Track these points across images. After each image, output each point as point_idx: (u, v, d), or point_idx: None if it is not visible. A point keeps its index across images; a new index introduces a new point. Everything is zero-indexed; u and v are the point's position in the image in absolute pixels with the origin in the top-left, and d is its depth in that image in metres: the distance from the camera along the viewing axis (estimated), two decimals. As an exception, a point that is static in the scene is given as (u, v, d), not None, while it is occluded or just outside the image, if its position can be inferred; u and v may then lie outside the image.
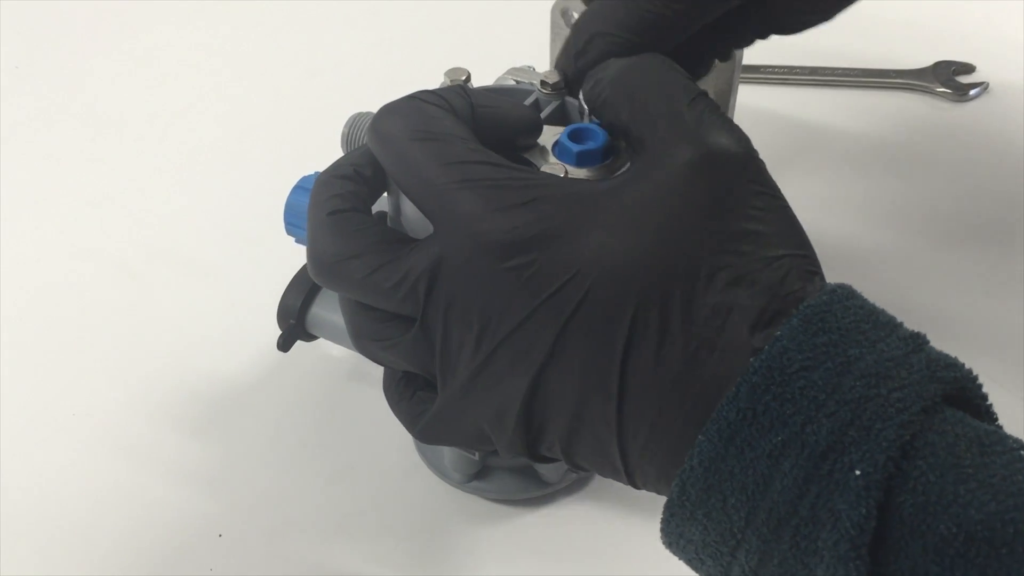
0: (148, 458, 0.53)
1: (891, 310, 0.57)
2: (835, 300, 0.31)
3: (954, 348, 0.57)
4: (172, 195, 0.71)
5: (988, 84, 0.76)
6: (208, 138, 0.76)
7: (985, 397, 0.32)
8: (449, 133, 0.36)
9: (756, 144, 0.72)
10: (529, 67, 0.53)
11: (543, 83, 0.42)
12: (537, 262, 0.33)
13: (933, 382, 0.30)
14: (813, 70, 0.77)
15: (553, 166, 0.37)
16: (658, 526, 0.33)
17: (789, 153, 0.72)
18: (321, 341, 0.54)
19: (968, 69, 0.77)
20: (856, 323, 0.31)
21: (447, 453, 0.50)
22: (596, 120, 0.39)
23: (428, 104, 0.37)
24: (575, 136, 0.38)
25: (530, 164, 0.39)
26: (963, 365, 0.31)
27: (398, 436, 0.53)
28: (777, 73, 0.78)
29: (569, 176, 0.37)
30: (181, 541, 0.49)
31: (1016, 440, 0.30)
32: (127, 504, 0.51)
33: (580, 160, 0.38)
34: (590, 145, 0.38)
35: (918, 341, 0.31)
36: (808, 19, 0.49)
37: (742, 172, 0.34)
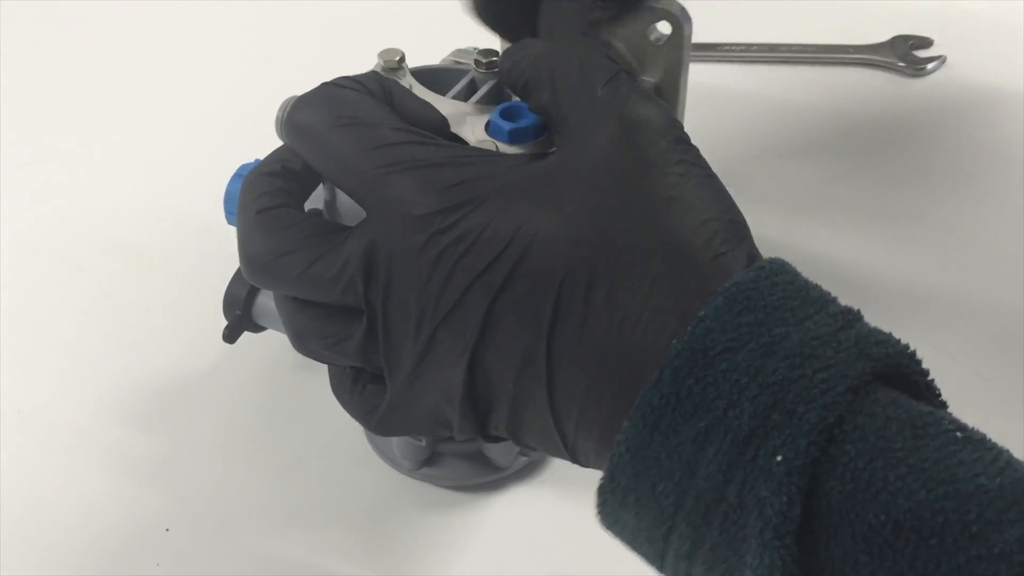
0: (93, 452, 0.53)
1: (848, 285, 0.57)
2: (762, 277, 0.30)
3: (912, 323, 0.57)
4: (118, 187, 0.70)
5: (945, 58, 0.76)
6: (153, 129, 0.75)
7: (925, 373, 0.31)
8: (371, 116, 0.35)
9: (714, 122, 0.72)
10: (475, 49, 0.52)
11: (477, 62, 0.42)
12: (469, 240, 0.33)
13: (861, 360, 0.29)
14: (771, 47, 0.77)
15: (484, 143, 0.37)
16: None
17: (747, 130, 0.71)
18: (269, 332, 0.53)
19: (926, 43, 0.77)
20: (784, 300, 0.30)
21: (396, 441, 0.50)
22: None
23: (345, 89, 0.36)
24: (507, 114, 0.38)
25: (459, 139, 0.38)
26: (898, 341, 0.30)
27: (347, 426, 0.51)
28: (735, 51, 0.77)
29: (500, 153, 0.36)
30: (127, 536, 0.49)
31: (953, 421, 0.29)
32: (71, 499, 0.50)
33: (512, 137, 0.37)
34: (522, 123, 0.37)
35: (848, 317, 0.30)
36: None
37: (663, 141, 0.34)
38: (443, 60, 0.51)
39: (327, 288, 0.35)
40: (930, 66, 0.75)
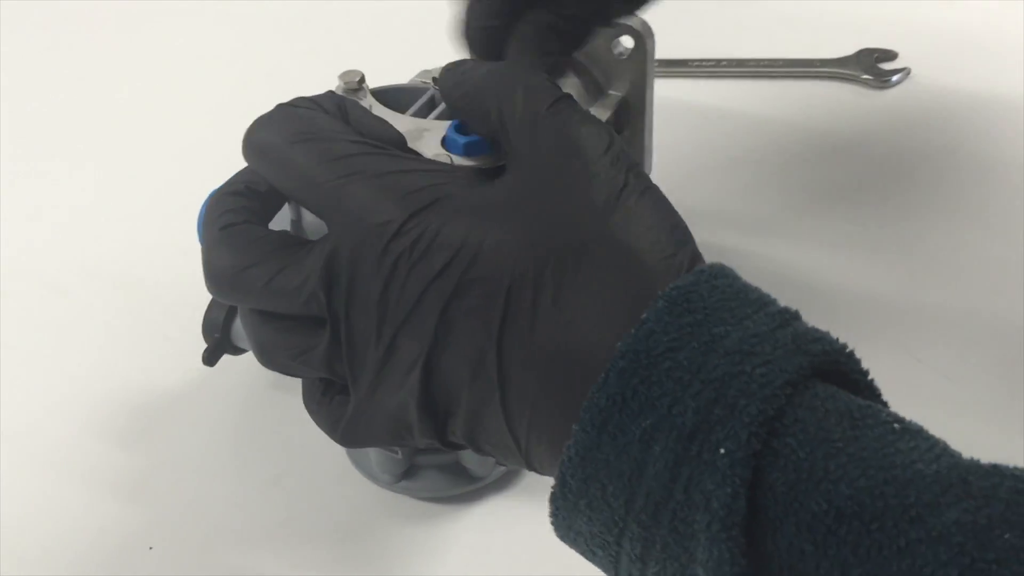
0: (75, 472, 0.53)
1: (816, 293, 0.58)
2: (702, 280, 0.32)
3: (880, 327, 0.58)
4: (98, 212, 0.71)
5: (910, 70, 0.77)
6: (132, 154, 0.76)
7: (864, 372, 0.32)
8: (327, 130, 0.36)
9: (685, 136, 0.73)
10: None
11: (435, 80, 0.43)
12: (422, 247, 0.34)
13: (799, 355, 0.30)
14: (739, 62, 0.78)
15: (440, 156, 0.38)
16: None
17: (716, 144, 0.72)
18: (248, 354, 0.54)
19: (890, 56, 0.78)
20: (723, 301, 0.31)
21: (373, 455, 0.50)
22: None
23: (299, 108, 0.38)
24: (462, 128, 0.39)
25: (417, 154, 0.40)
26: (835, 339, 0.31)
27: (326, 442, 0.51)
28: (704, 67, 0.78)
29: (455, 165, 0.37)
30: (110, 555, 0.49)
31: (891, 414, 0.30)
32: (54, 519, 0.51)
33: (467, 150, 0.38)
34: (476, 136, 0.38)
35: (786, 316, 0.31)
36: None
37: (605, 158, 0.35)
38: (411, 80, 0.52)
39: (291, 298, 0.36)
40: (895, 78, 0.76)
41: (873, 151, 0.71)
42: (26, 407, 0.57)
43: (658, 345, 0.30)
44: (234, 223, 0.37)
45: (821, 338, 0.31)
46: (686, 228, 0.35)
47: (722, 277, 0.32)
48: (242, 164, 0.42)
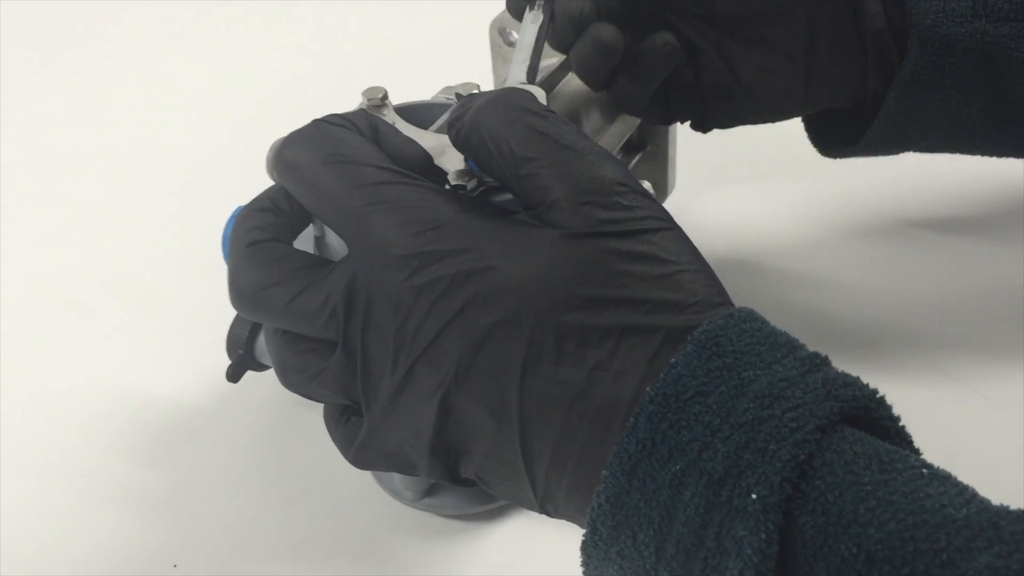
0: (101, 489, 0.53)
1: (839, 309, 0.57)
2: (730, 324, 0.31)
3: (911, 343, 0.57)
4: (125, 228, 0.72)
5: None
6: (158, 172, 0.77)
7: (895, 419, 0.31)
8: (358, 154, 0.36)
9: (707, 149, 0.72)
10: (467, 84, 0.53)
11: (458, 96, 0.43)
12: (444, 283, 0.33)
13: (829, 400, 0.29)
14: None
15: (464, 173, 0.38)
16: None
17: (740, 157, 0.72)
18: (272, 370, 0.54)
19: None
20: (752, 346, 0.31)
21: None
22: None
23: (334, 126, 0.38)
24: None
25: (442, 171, 0.40)
26: (866, 385, 0.31)
27: None
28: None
29: (477, 179, 0.38)
30: (135, 572, 0.49)
31: (919, 459, 0.30)
32: (79, 537, 0.51)
33: None
34: None
35: (815, 361, 0.31)
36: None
37: (621, 199, 0.35)
38: (434, 97, 0.52)
39: (311, 320, 0.36)
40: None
41: (902, 162, 0.70)
42: (52, 425, 0.57)
43: (687, 389, 0.30)
44: (260, 240, 0.37)
45: (851, 383, 0.31)
46: (711, 271, 0.35)
47: (751, 321, 0.32)
48: (266, 182, 0.43)
